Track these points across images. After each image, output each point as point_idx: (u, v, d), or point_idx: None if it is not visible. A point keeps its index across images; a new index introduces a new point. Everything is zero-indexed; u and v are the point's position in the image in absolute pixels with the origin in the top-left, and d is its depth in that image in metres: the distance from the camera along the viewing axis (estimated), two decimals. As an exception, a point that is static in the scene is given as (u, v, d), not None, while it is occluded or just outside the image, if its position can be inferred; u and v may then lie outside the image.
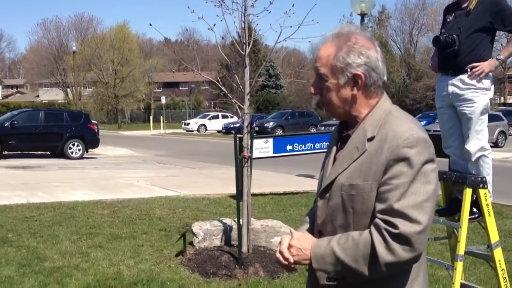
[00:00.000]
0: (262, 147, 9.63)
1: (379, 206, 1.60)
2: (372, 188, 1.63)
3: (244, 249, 5.55)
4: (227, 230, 6.06)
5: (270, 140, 10.09)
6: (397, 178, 1.59)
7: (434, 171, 1.62)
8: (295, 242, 1.72)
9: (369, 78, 1.70)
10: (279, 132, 34.04)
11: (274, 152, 9.91)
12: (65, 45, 64.63)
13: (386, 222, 1.57)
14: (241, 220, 5.49)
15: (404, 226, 1.55)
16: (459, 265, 3.64)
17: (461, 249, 3.63)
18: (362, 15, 14.28)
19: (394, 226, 1.55)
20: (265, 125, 35.80)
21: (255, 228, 6.01)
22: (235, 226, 5.89)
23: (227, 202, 9.49)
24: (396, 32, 65.11)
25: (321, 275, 1.64)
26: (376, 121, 1.69)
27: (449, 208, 4.06)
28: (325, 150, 1.96)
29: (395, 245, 1.55)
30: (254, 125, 35.14)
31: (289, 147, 10.36)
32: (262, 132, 31.50)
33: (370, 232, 1.59)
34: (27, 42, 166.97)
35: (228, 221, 6.28)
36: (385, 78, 1.75)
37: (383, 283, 1.65)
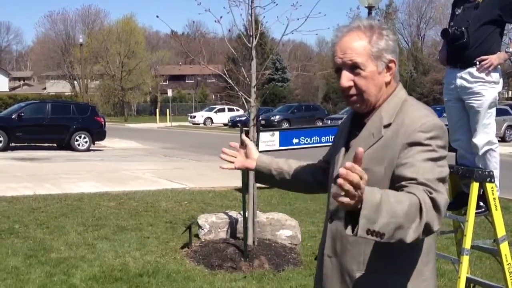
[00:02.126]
0: (268, 140, 9.57)
1: (409, 176, 1.56)
2: (386, 172, 1.64)
3: (250, 241, 5.56)
4: (232, 223, 6.07)
5: (276, 133, 10.03)
6: (414, 156, 1.59)
7: (445, 160, 1.64)
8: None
9: (396, 66, 1.75)
10: (285, 125, 34.00)
11: (280, 145, 9.85)
12: (72, 38, 64.72)
13: (428, 190, 1.53)
14: (246, 213, 5.50)
15: (437, 196, 1.52)
16: (465, 259, 3.62)
17: (467, 243, 3.61)
18: (370, 8, 14.21)
19: (430, 192, 1.52)
20: (272, 118, 35.77)
21: (260, 221, 6.01)
22: (240, 219, 5.90)
23: (233, 195, 9.50)
24: (404, 25, 64.79)
25: (364, 224, 1.42)
26: (392, 108, 1.72)
27: (455, 202, 4.04)
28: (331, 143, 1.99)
29: (433, 213, 1.50)
30: (260, 118, 35.12)
31: (295, 141, 10.30)
32: (269, 126, 31.47)
33: (418, 197, 1.50)
34: (34, 34, 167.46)
35: (233, 213, 6.28)
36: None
37: (398, 266, 1.67)
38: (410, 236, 1.47)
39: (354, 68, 1.71)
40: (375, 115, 1.74)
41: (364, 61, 1.70)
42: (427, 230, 1.50)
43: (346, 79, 1.71)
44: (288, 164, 2.11)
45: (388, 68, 1.73)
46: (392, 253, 1.67)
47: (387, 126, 1.69)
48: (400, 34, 64.71)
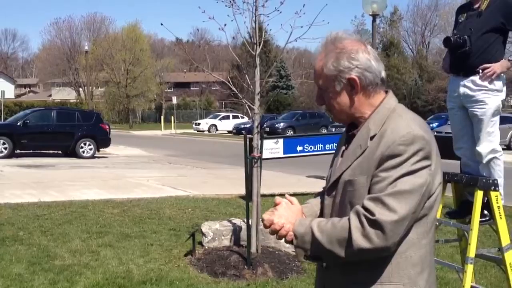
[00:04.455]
0: (273, 147, 9.60)
1: (365, 196, 1.65)
2: (367, 182, 1.66)
3: (253, 249, 5.55)
4: (236, 231, 6.06)
5: (281, 141, 10.06)
6: (387, 171, 1.62)
7: (427, 169, 1.64)
8: (291, 210, 1.81)
9: (364, 80, 1.73)
10: (289, 132, 34.00)
11: (284, 153, 9.89)
12: (78, 45, 65.04)
13: (365, 208, 1.61)
14: (250, 221, 5.49)
15: (380, 214, 1.58)
16: (470, 268, 3.60)
17: (472, 252, 3.60)
18: (374, 16, 14.23)
19: (371, 212, 1.59)
20: (276, 125, 35.79)
21: (264, 229, 5.99)
22: (244, 227, 5.89)
23: (237, 203, 9.49)
24: (408, 33, 64.86)
25: (299, 252, 1.72)
26: (380, 119, 1.72)
27: (460, 211, 4.03)
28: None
29: (371, 231, 1.58)
30: (265, 125, 35.16)
31: (299, 148, 10.33)
32: (273, 133, 31.46)
33: (349, 218, 1.63)
34: (40, 41, 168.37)
35: (237, 221, 6.28)
36: (383, 74, 1.77)
37: (389, 277, 1.67)
38: (347, 258, 1.63)
39: (320, 88, 1.80)
40: (364, 126, 1.75)
41: (323, 83, 1.77)
42: (370, 252, 1.60)
43: (316, 97, 1.84)
44: (316, 205, 2.01)
45: (351, 86, 1.73)
46: (381, 265, 1.67)
47: (373, 137, 1.70)
48: (405, 41, 64.76)
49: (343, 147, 1.83)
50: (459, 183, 3.95)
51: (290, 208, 1.81)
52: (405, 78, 57.19)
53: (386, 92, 1.80)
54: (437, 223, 4.02)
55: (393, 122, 1.69)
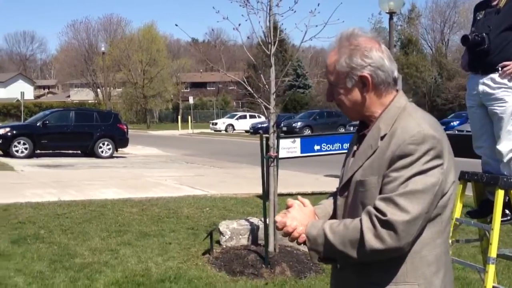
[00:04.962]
0: (290, 147, 9.58)
1: (377, 196, 1.64)
2: (378, 182, 1.66)
3: (271, 248, 5.56)
4: (254, 230, 6.07)
5: (298, 140, 10.03)
6: (397, 171, 1.61)
7: (439, 168, 1.62)
8: (303, 212, 1.80)
9: (376, 78, 1.72)
10: (307, 132, 33.94)
11: (301, 152, 9.85)
12: (95, 46, 65.64)
13: (377, 209, 1.60)
14: (267, 220, 5.50)
15: (392, 214, 1.57)
16: (491, 268, 3.57)
17: (493, 252, 3.56)
18: (391, 14, 14.13)
19: (383, 213, 1.58)
20: (293, 125, 35.74)
21: (281, 228, 6.00)
22: (262, 226, 5.90)
23: (255, 202, 9.50)
24: (427, 30, 64.24)
25: (313, 254, 1.72)
26: (390, 119, 1.71)
27: (480, 210, 3.99)
28: None
29: (383, 232, 1.58)
30: (282, 125, 35.11)
31: (316, 147, 10.29)
32: (290, 132, 31.45)
33: (361, 219, 1.63)
34: (57, 43, 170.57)
35: (255, 220, 6.29)
36: (396, 74, 1.75)
37: (403, 277, 1.66)
38: (360, 259, 1.63)
39: (331, 84, 1.79)
40: (374, 126, 1.74)
41: (334, 79, 1.76)
42: (383, 252, 1.59)
43: (326, 93, 1.83)
44: (329, 205, 1.99)
45: (363, 84, 1.72)
46: (396, 265, 1.66)
47: (383, 137, 1.69)
48: (424, 39, 64.17)
49: (355, 147, 1.82)
50: (479, 182, 3.91)
51: (303, 210, 1.80)
52: (424, 76, 56.64)
53: (397, 91, 1.78)
54: (458, 223, 3.99)
55: (403, 121, 1.68)
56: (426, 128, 1.63)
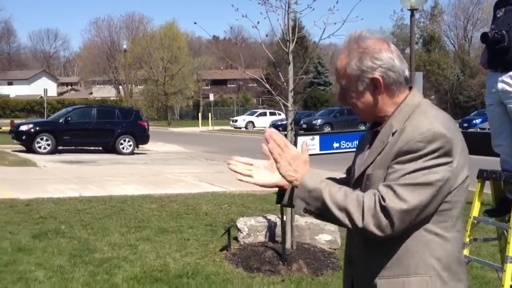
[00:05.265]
0: (309, 144, 9.60)
1: (382, 183, 1.66)
2: (383, 174, 1.68)
3: (288, 245, 5.57)
4: (271, 227, 6.09)
5: (317, 138, 10.05)
6: (402, 164, 1.63)
7: (447, 166, 1.62)
8: (298, 157, 1.74)
9: (387, 79, 1.72)
10: (327, 129, 33.81)
11: (320, 150, 9.85)
12: (117, 44, 66.19)
13: (380, 193, 1.62)
14: (284, 217, 5.51)
15: (390, 201, 1.59)
16: (509, 267, 3.53)
17: (511, 251, 3.52)
18: (412, 10, 14.00)
19: (383, 198, 1.60)
20: (313, 122, 35.64)
21: (299, 225, 6.01)
22: (279, 223, 5.91)
23: (273, 199, 9.47)
24: (450, 27, 63.51)
25: (300, 204, 1.69)
26: (403, 116, 1.72)
27: (499, 208, 3.95)
28: None
29: (380, 216, 1.59)
30: (302, 122, 35.05)
31: (335, 145, 10.27)
32: (310, 130, 31.40)
33: (364, 195, 1.64)
34: (80, 40, 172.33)
35: (272, 217, 6.31)
36: (407, 73, 1.76)
37: (412, 269, 1.67)
38: (346, 226, 1.64)
39: (342, 88, 1.80)
40: (387, 124, 1.75)
41: (346, 83, 1.77)
42: (371, 234, 1.61)
43: (338, 96, 1.84)
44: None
45: (374, 86, 1.73)
46: (407, 258, 1.68)
47: (394, 133, 1.71)
48: (446, 36, 63.40)
49: (368, 144, 1.84)
50: (498, 180, 3.88)
51: (301, 156, 1.77)
52: (447, 74, 55.95)
53: (410, 88, 1.79)
54: (476, 221, 3.95)
55: (415, 119, 1.68)
56: (437, 126, 1.63)
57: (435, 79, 56.10)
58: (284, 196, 1.85)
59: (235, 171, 1.86)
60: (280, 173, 1.73)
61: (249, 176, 1.86)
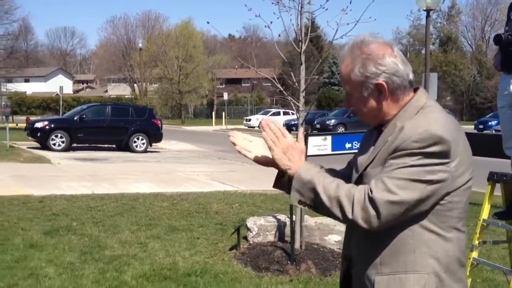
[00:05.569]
0: (320, 144, 9.56)
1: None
2: (380, 170, 1.70)
3: (297, 245, 5.56)
4: (280, 226, 6.09)
5: (329, 138, 9.99)
6: (396, 159, 1.64)
7: (443, 166, 1.63)
8: (293, 146, 1.78)
9: (392, 84, 1.73)
10: (340, 129, 33.65)
11: (332, 150, 9.80)
12: (133, 42, 66.66)
13: (370, 186, 1.64)
14: (294, 217, 5.50)
15: (377, 192, 1.61)
16: (518, 271, 3.49)
17: (520, 254, 3.48)
18: (428, 11, 13.89)
19: (371, 190, 1.63)
20: (327, 122, 35.50)
21: (309, 225, 6.00)
22: (289, 223, 5.91)
23: (284, 199, 9.50)
24: (467, 28, 62.92)
25: (295, 195, 1.74)
26: (407, 117, 1.73)
27: (508, 211, 3.91)
28: None
29: (369, 208, 1.61)
30: (316, 122, 34.95)
31: (348, 145, 10.20)
32: (324, 130, 31.30)
33: (356, 189, 1.66)
34: (97, 38, 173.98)
35: (282, 217, 6.30)
36: (411, 77, 1.76)
37: (410, 266, 1.68)
38: (338, 219, 1.67)
39: (347, 93, 1.81)
40: (391, 123, 1.76)
41: (350, 89, 1.78)
42: (361, 226, 1.63)
43: (345, 101, 1.86)
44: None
45: (379, 91, 1.73)
46: (405, 254, 1.69)
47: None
48: (464, 36, 62.83)
49: (372, 142, 1.84)
50: (508, 183, 3.83)
51: (297, 145, 1.81)
52: (463, 75, 55.46)
53: (416, 89, 1.79)
54: (485, 224, 3.91)
55: (415, 119, 1.69)
56: (435, 128, 1.64)
57: (452, 80, 55.60)
58: (280, 182, 1.89)
59: (234, 144, 1.92)
60: (275, 161, 1.79)
61: (247, 150, 1.91)
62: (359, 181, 1.78)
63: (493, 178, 3.88)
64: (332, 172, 1.95)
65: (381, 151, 1.72)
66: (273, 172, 1.94)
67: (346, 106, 1.85)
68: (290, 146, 1.78)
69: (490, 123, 31.57)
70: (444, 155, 1.62)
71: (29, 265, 5.29)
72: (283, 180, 1.86)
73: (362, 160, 1.81)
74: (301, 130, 1.91)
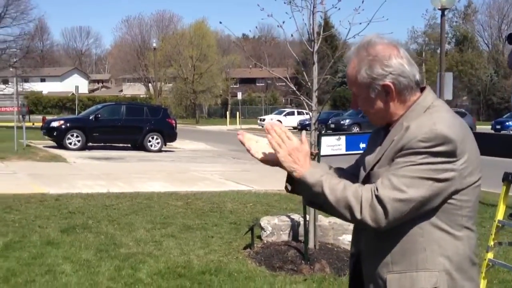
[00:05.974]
0: (334, 144, 9.53)
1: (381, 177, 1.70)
2: (387, 170, 1.70)
3: (311, 245, 5.57)
4: (294, 226, 6.10)
5: (343, 138, 9.96)
6: (402, 157, 1.66)
7: (449, 165, 1.63)
8: (298, 149, 1.79)
9: (398, 85, 1.74)
10: (355, 129, 33.50)
11: (346, 150, 9.78)
12: (147, 42, 66.97)
13: (376, 185, 1.66)
14: (307, 216, 5.51)
15: (383, 190, 1.62)
16: (534, 272, 3.47)
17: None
18: (443, 10, 13.79)
19: (377, 188, 1.64)
20: (341, 122, 35.37)
21: (323, 225, 6.01)
22: (302, 222, 5.92)
23: (298, 198, 9.44)
24: (484, 27, 62.31)
25: (304, 197, 1.85)
26: (414, 116, 1.74)
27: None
28: None
29: (376, 206, 1.62)
30: (330, 122, 34.84)
31: (362, 145, 10.14)
32: (338, 129, 31.17)
33: (362, 188, 1.67)
34: (112, 38, 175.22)
35: (296, 216, 6.31)
36: (418, 77, 1.77)
37: (421, 264, 1.69)
38: (346, 219, 1.69)
39: (354, 94, 1.82)
40: (398, 123, 1.77)
41: (357, 90, 1.79)
42: (368, 224, 1.64)
43: (352, 102, 1.87)
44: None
45: (386, 92, 1.74)
46: (416, 252, 1.69)
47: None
48: (480, 36, 62.25)
49: (379, 142, 1.85)
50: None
51: (302, 148, 1.81)
52: (480, 74, 54.92)
53: (423, 89, 1.80)
54: (500, 225, 3.89)
55: (421, 119, 1.70)
56: (442, 127, 1.64)
57: (468, 79, 55.11)
58: (291, 184, 1.91)
59: (241, 142, 1.98)
60: (281, 163, 1.81)
61: (254, 150, 1.96)
62: (367, 181, 1.79)
63: (508, 178, 3.85)
64: (340, 171, 1.96)
65: (388, 150, 1.73)
66: (286, 172, 1.95)
67: (353, 107, 1.86)
68: (295, 148, 1.79)
69: (507, 123, 31.23)
70: (450, 154, 1.63)
71: (46, 262, 5.37)
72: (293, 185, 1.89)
73: (370, 159, 1.82)
74: (303, 133, 1.90)
